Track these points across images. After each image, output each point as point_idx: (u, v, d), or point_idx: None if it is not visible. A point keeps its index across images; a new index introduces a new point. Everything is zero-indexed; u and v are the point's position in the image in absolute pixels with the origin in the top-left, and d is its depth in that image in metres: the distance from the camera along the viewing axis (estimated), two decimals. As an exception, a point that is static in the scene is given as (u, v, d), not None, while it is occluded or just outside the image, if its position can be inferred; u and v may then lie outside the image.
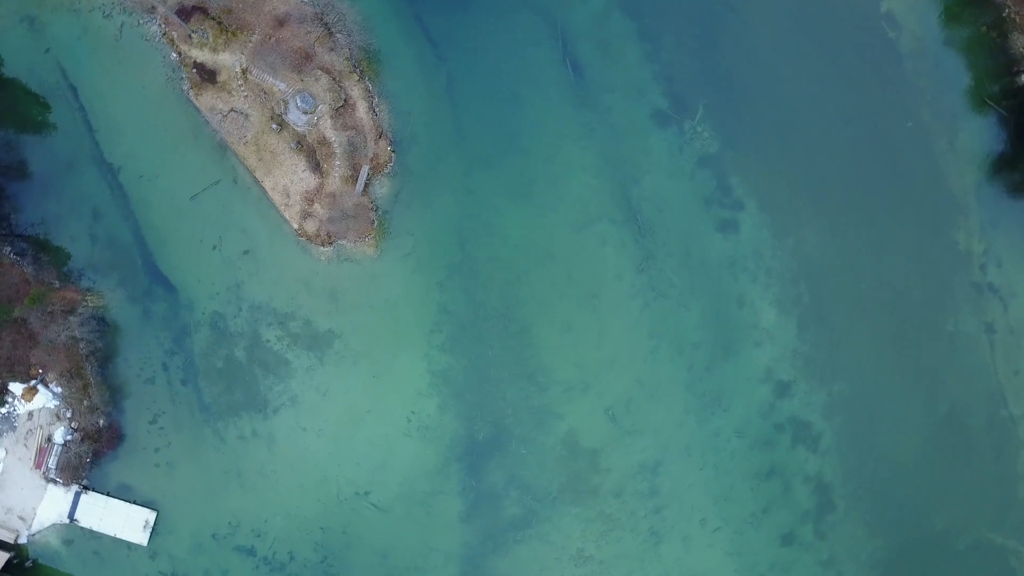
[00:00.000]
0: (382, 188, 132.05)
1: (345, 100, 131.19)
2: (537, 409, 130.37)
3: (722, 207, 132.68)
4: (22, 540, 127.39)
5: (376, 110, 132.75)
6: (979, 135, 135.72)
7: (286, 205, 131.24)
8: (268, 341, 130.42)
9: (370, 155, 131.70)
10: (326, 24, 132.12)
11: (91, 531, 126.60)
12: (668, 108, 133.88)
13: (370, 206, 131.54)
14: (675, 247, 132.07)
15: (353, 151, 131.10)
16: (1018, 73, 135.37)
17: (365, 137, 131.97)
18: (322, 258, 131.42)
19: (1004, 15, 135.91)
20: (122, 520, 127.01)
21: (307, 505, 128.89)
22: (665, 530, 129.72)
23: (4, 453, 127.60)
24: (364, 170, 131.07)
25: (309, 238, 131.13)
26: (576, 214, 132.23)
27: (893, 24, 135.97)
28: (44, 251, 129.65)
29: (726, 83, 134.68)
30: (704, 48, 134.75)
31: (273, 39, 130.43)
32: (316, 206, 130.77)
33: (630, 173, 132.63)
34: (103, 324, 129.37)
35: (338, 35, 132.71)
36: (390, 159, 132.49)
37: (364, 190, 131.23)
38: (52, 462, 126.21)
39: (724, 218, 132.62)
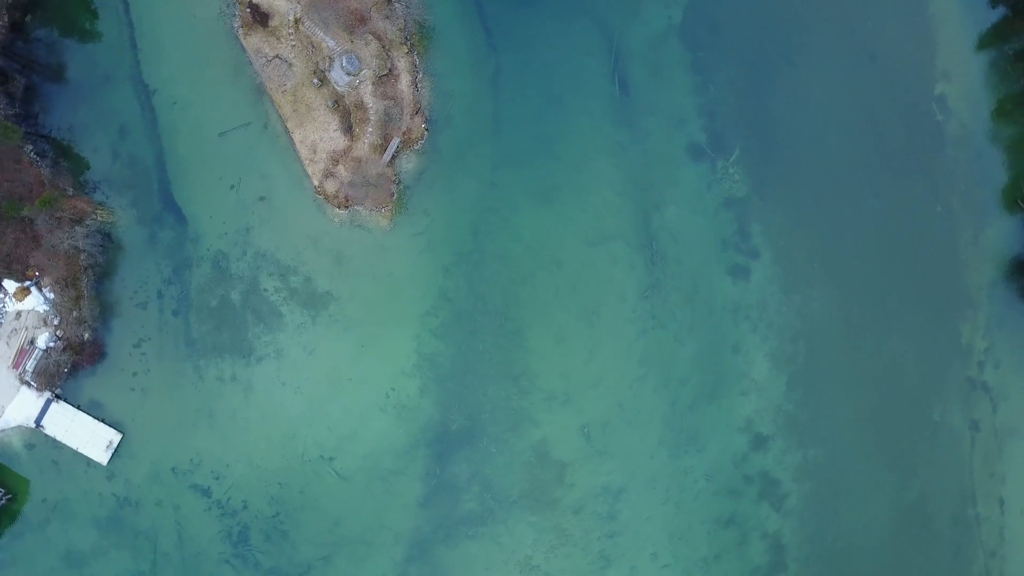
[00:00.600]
0: (408, 163, 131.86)
1: (390, 69, 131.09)
2: (515, 411, 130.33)
3: (738, 252, 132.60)
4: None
5: (418, 85, 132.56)
6: (1004, 235, 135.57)
7: (311, 160, 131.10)
8: (266, 290, 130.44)
9: (403, 128, 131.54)
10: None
11: (54, 440, 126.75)
12: (705, 143, 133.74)
13: (393, 178, 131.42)
14: (683, 281, 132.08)
15: (387, 121, 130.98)
16: None
17: (402, 110, 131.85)
18: (335, 220, 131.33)
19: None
20: (87, 435, 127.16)
21: (271, 458, 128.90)
22: (616, 556, 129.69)
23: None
24: (395, 142, 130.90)
25: (327, 197, 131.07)
26: (593, 228, 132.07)
27: (944, 108, 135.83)
28: (65, 157, 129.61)
29: (767, 131, 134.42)
30: (753, 92, 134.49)
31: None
32: (340, 167, 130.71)
33: (654, 199, 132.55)
34: (107, 240, 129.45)
35: (396, 4, 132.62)
36: (422, 136, 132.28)
37: (391, 161, 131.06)
38: (30, 365, 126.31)
39: (737, 263, 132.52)
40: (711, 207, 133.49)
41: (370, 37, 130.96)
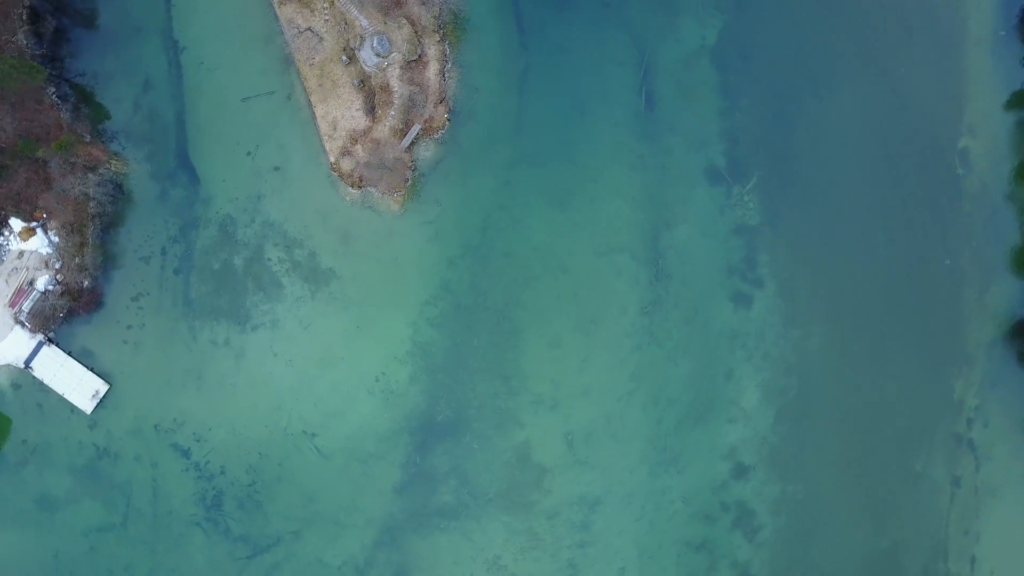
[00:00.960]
0: (426, 151, 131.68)
1: (420, 55, 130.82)
2: (502, 410, 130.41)
3: (743, 279, 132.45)
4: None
5: (446, 75, 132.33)
6: (1010, 296, 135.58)
7: (330, 137, 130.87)
8: (269, 260, 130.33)
9: (426, 116, 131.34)
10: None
11: (41, 383, 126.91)
12: (724, 168, 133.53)
13: (409, 164, 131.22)
14: (685, 302, 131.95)
15: (411, 106, 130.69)
16: None
17: (426, 97, 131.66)
18: (347, 198, 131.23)
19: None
20: (75, 382, 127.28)
21: (253, 427, 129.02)
22: (584, 566, 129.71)
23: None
24: (415, 128, 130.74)
25: (341, 175, 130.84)
26: (602, 238, 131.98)
27: (965, 162, 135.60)
28: (86, 103, 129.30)
29: (787, 163, 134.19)
30: (777, 122, 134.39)
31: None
32: (358, 147, 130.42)
33: (666, 217, 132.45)
34: (118, 191, 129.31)
35: None
36: (443, 126, 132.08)
37: (409, 147, 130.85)
38: (27, 306, 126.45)
39: (741, 291, 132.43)
40: (722, 232, 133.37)
41: (404, 21, 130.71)
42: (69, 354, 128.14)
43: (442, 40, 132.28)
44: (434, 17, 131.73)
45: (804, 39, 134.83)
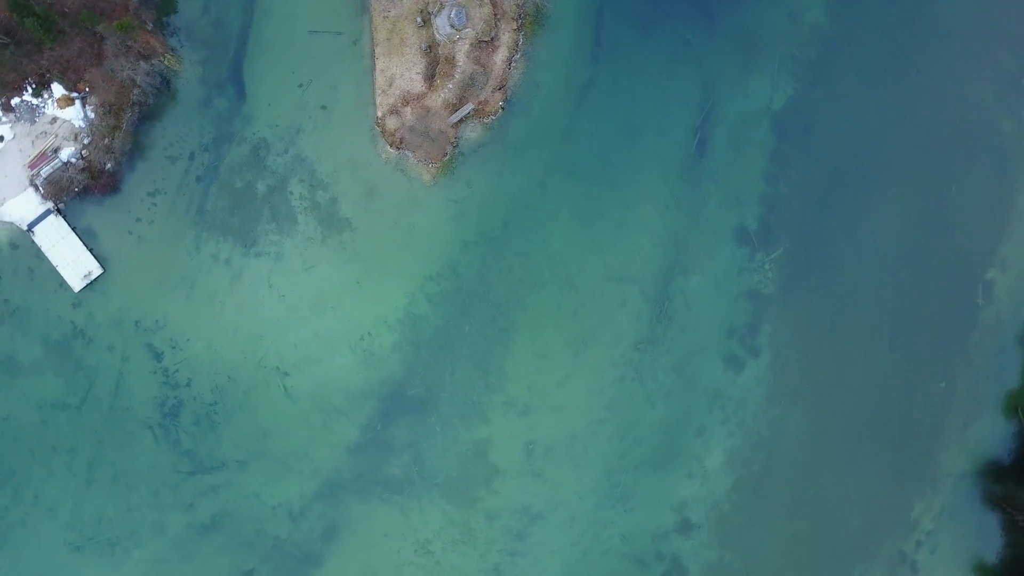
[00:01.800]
0: (472, 132, 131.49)
1: (492, 38, 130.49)
2: (473, 403, 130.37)
3: (740, 344, 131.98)
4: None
5: (512, 64, 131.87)
6: (992, 435, 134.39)
7: (383, 92, 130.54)
8: (291, 193, 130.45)
9: (481, 98, 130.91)
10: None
11: (39, 251, 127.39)
12: (754, 231, 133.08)
13: (452, 140, 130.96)
14: (678, 349, 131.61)
15: (469, 85, 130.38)
16: None
17: (487, 80, 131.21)
18: (383, 156, 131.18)
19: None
20: (71, 258, 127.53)
21: (230, 350, 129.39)
22: (508, 574, 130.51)
23: (11, 136, 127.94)
24: (468, 107, 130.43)
25: (384, 132, 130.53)
26: (617, 265, 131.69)
27: (988, 294, 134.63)
28: None
29: (816, 244, 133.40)
30: (817, 203, 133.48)
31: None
32: (407, 109, 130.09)
33: (684, 263, 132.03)
34: (165, 85, 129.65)
35: None
36: (495, 113, 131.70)
37: (456, 123, 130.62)
38: (45, 171, 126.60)
39: (736, 354, 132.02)
40: (733, 292, 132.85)
41: (486, 1, 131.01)
42: (73, 229, 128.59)
43: (518, 29, 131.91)
44: (517, 5, 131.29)
45: (867, 130, 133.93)
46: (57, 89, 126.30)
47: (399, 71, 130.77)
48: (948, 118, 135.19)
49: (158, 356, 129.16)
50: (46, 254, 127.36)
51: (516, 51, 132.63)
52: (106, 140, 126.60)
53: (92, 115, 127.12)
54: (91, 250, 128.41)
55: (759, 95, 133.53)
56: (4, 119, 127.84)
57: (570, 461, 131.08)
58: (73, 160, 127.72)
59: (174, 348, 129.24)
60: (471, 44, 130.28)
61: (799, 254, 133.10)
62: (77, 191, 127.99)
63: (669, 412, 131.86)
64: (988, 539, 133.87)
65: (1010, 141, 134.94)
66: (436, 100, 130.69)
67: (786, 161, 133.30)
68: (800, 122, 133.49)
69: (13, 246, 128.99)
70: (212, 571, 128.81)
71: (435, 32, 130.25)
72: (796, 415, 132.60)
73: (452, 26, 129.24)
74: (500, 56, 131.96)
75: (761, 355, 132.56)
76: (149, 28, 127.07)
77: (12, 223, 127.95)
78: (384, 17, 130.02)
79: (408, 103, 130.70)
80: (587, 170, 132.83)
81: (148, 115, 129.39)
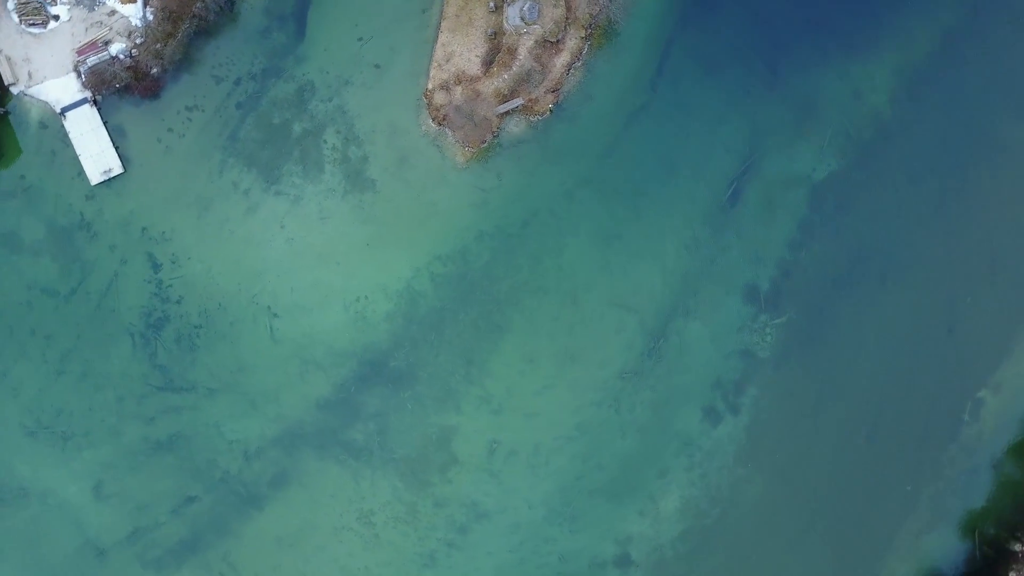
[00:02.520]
0: (515, 127, 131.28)
1: (558, 40, 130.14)
2: (450, 389, 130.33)
3: (722, 399, 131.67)
4: (14, 90, 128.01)
5: (571, 70, 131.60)
6: (944, 549, 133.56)
7: (439, 66, 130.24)
8: (325, 142, 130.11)
9: (532, 96, 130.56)
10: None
11: (66, 136, 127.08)
12: (763, 292, 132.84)
13: (494, 129, 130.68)
14: (662, 388, 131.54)
15: (524, 80, 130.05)
16: (1016, 540, 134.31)
17: (543, 80, 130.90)
18: (423, 128, 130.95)
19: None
20: (95, 151, 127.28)
21: (228, 279, 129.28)
22: (441, 563, 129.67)
23: (67, 18, 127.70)
24: (517, 101, 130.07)
25: (430, 105, 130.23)
26: (623, 292, 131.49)
27: (975, 412, 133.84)
28: None
29: (822, 320, 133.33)
30: (834, 280, 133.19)
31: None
32: (458, 89, 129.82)
33: (688, 306, 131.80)
34: (229, 6, 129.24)
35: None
36: (543, 114, 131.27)
37: (502, 114, 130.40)
38: (92, 61, 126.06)
39: (716, 407, 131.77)
40: (729, 346, 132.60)
41: (562, 1, 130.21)
42: (104, 124, 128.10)
43: (586, 38, 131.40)
44: (590, 14, 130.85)
45: (899, 223, 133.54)
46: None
47: (459, 49, 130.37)
48: (980, 233, 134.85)
49: (156, 267, 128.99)
50: (72, 141, 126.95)
51: (578, 59, 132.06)
52: (158, 45, 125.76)
53: (151, 17, 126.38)
54: (117, 148, 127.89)
55: (803, 161, 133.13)
56: (64, 0, 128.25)
57: (529, 469, 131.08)
58: (121, 56, 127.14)
59: (174, 263, 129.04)
60: (536, 41, 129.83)
61: (802, 326, 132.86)
62: (117, 87, 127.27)
63: (637, 446, 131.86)
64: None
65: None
66: (488, 86, 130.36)
67: (813, 232, 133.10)
68: (837, 198, 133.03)
69: (42, 125, 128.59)
70: (156, 488, 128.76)
71: (504, 20, 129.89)
72: (759, 481, 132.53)
73: (523, 19, 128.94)
74: (561, 60, 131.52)
75: (740, 414, 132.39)
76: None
77: (47, 103, 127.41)
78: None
79: (460, 82, 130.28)
80: (617, 192, 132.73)
81: (205, 31, 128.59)
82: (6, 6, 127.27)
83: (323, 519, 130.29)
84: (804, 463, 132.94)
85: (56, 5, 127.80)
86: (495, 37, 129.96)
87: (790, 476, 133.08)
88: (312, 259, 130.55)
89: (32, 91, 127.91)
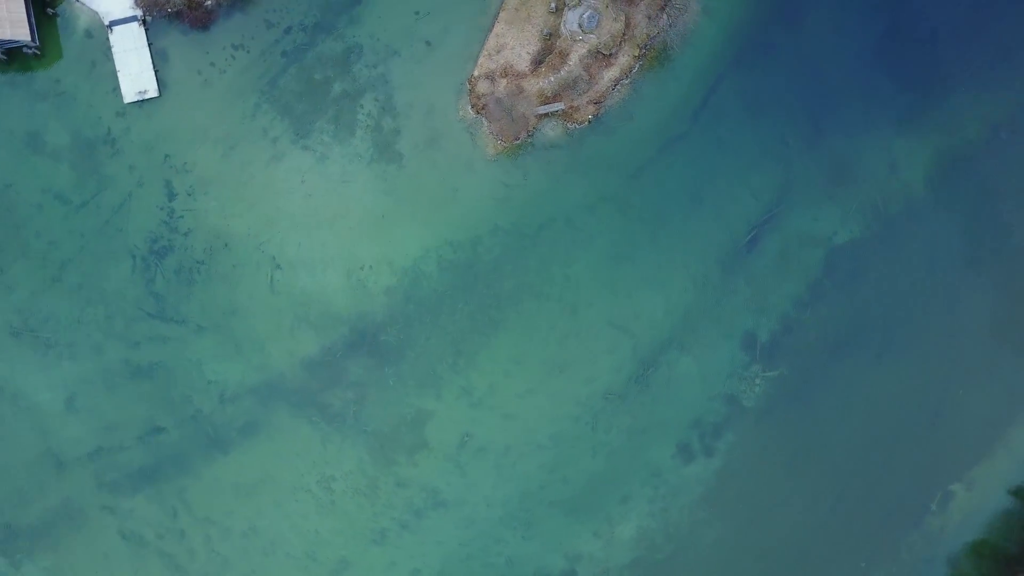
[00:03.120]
0: (552, 131, 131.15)
1: (611, 54, 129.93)
2: (434, 375, 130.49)
3: (699, 439, 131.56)
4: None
5: (618, 86, 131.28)
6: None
7: (489, 55, 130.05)
8: (361, 107, 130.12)
9: (575, 103, 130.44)
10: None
11: (109, 50, 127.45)
12: (760, 344, 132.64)
13: (530, 128, 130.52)
14: (642, 417, 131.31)
15: (570, 86, 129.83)
16: None
17: (588, 89, 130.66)
18: (460, 112, 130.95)
19: None
20: (135, 70, 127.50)
21: (239, 222, 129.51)
22: (391, 542, 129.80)
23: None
24: (558, 105, 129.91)
25: (471, 91, 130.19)
26: (623, 314, 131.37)
27: (943, 503, 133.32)
28: None
29: (812, 383, 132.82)
30: (832, 344, 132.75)
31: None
32: (503, 81, 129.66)
33: (684, 341, 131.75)
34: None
35: (666, 15, 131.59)
36: (582, 123, 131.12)
37: (541, 115, 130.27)
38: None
39: (690, 446, 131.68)
40: (716, 389, 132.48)
41: (622, 16, 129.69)
42: (149, 45, 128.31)
43: (639, 57, 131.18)
44: (647, 35, 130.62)
45: (911, 305, 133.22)
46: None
47: (512, 43, 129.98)
48: (985, 331, 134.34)
49: (171, 195, 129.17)
50: (114, 56, 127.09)
51: (627, 76, 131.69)
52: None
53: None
54: (156, 71, 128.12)
55: (827, 223, 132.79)
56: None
57: (495, 469, 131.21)
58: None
59: (189, 195, 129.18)
60: (589, 50, 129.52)
61: (792, 384, 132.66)
62: (168, 12, 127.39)
63: (605, 468, 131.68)
64: None
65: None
66: (533, 85, 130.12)
67: (822, 294, 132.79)
68: (852, 266, 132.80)
69: (88, 34, 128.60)
70: (127, 412, 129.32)
71: (562, 24, 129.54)
72: (718, 527, 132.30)
73: (581, 26, 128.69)
74: (610, 74, 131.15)
75: (714, 457, 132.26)
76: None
77: (97, 13, 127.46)
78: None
79: (506, 75, 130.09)
80: (638, 215, 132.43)
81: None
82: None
83: (284, 475, 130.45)
84: (766, 518, 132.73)
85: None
86: (550, 38, 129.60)
87: (750, 528, 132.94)
88: (326, 219, 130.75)
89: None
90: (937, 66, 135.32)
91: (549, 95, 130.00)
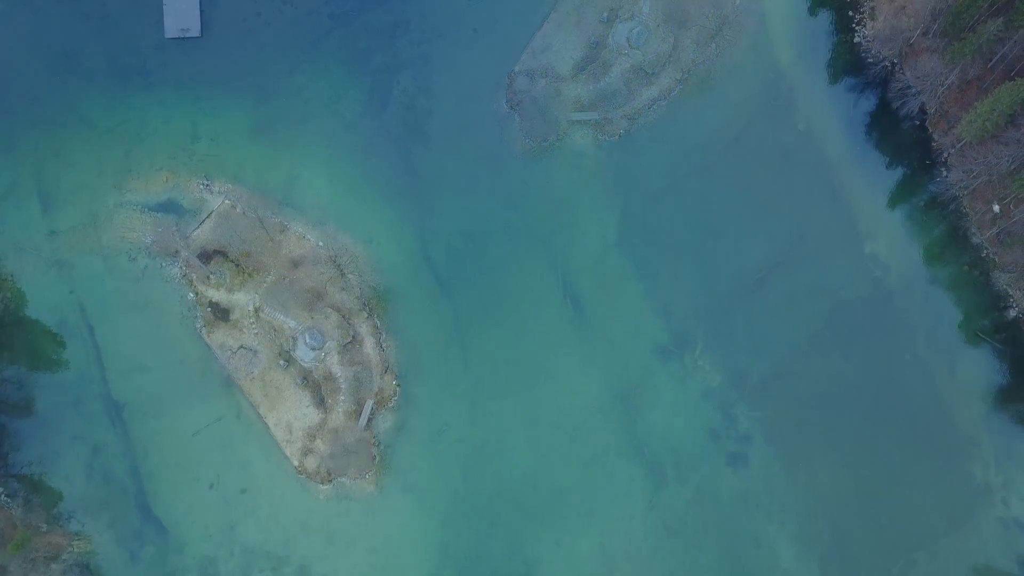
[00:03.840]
0: (385, 423, 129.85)
1: (353, 336, 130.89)
2: (420, 361, 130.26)
3: (729, 440, 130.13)
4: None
5: (383, 345, 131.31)
6: (978, 367, 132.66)
7: (288, 441, 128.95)
8: (398, 81, 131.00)
9: (375, 390, 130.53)
10: (339, 266, 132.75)
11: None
12: (668, 342, 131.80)
13: (372, 441, 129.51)
14: (684, 481, 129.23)
15: (359, 386, 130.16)
16: (1005, 308, 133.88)
17: (371, 372, 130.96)
18: (321, 496, 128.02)
19: (983, 255, 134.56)
20: (181, 7, 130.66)
21: (254, 176, 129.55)
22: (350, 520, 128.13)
23: None
24: (368, 404, 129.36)
25: (309, 475, 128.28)
26: (583, 447, 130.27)
27: (878, 264, 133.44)
28: (37, 492, 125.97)
29: (723, 318, 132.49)
30: (700, 284, 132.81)
31: (287, 279, 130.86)
32: (318, 442, 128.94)
33: (635, 406, 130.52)
34: (86, 572, 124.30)
35: (350, 275, 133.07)
36: (395, 393, 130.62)
37: (367, 425, 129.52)
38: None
39: (732, 451, 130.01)
40: (691, 401, 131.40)
41: (329, 310, 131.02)
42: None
43: (370, 315, 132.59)
44: (356, 298, 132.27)
45: (911, 370, 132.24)
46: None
47: (291, 415, 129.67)
48: (984, 410, 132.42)
49: (195, 137, 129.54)
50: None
51: (666, 97, 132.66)
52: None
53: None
54: (202, 12, 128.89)
55: (837, 278, 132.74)
56: None
57: (468, 463, 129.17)
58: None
59: (212, 140, 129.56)
60: (338, 352, 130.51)
61: (718, 335, 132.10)
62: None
63: (576, 481, 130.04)
64: None
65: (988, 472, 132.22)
66: (337, 417, 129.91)
67: (820, 346, 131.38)
68: (856, 322, 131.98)
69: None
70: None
71: (301, 363, 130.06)
72: (820, 467, 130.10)
73: (312, 348, 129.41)
74: (650, 92, 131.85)
75: (753, 438, 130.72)
76: (44, 530, 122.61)
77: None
78: (250, 380, 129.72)
79: (315, 436, 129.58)
80: (505, 384, 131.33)
81: None
82: None
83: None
84: (723, 555, 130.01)
85: None
86: (307, 380, 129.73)
87: (832, 437, 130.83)
88: (341, 188, 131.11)
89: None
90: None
91: (585, 103, 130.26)
